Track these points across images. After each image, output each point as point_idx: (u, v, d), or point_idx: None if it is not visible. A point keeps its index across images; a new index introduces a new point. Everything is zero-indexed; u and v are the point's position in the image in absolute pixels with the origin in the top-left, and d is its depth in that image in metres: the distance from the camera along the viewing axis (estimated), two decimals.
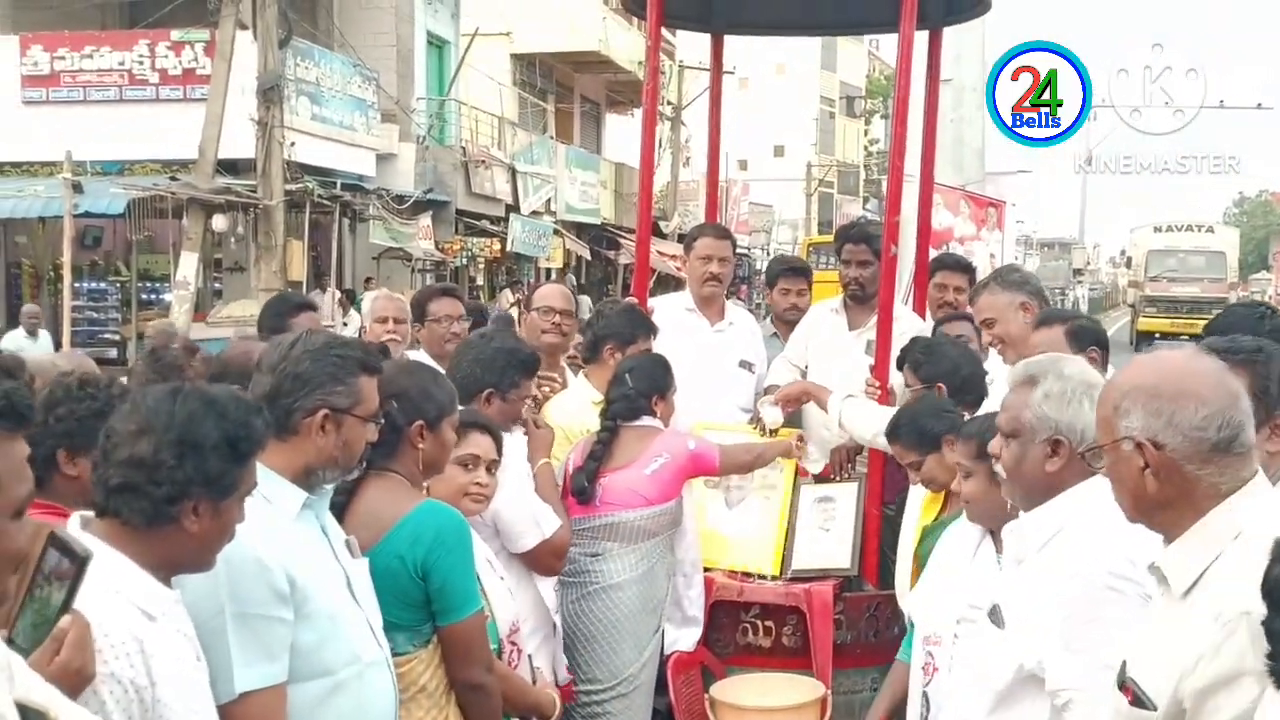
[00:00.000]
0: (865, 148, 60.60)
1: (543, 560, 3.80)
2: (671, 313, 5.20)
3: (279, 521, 2.45)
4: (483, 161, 24.15)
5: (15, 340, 13.00)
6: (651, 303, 5.29)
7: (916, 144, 5.49)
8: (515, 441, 3.95)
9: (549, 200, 27.05)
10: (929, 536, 3.67)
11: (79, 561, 1.84)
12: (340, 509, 2.84)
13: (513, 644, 3.39)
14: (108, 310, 19.17)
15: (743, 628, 4.59)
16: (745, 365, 5.20)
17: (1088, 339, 3.89)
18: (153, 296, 19.30)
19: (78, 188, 16.63)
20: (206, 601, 2.26)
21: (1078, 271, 58.17)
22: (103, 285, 19.80)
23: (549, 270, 28.42)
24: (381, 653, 2.61)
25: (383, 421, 2.71)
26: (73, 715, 1.72)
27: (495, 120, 26.06)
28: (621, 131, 36.08)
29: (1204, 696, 1.80)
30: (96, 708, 1.91)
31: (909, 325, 5.03)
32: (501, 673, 3.21)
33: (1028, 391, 2.61)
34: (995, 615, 2.59)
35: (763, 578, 4.66)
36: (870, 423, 4.57)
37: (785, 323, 5.69)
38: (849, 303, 5.27)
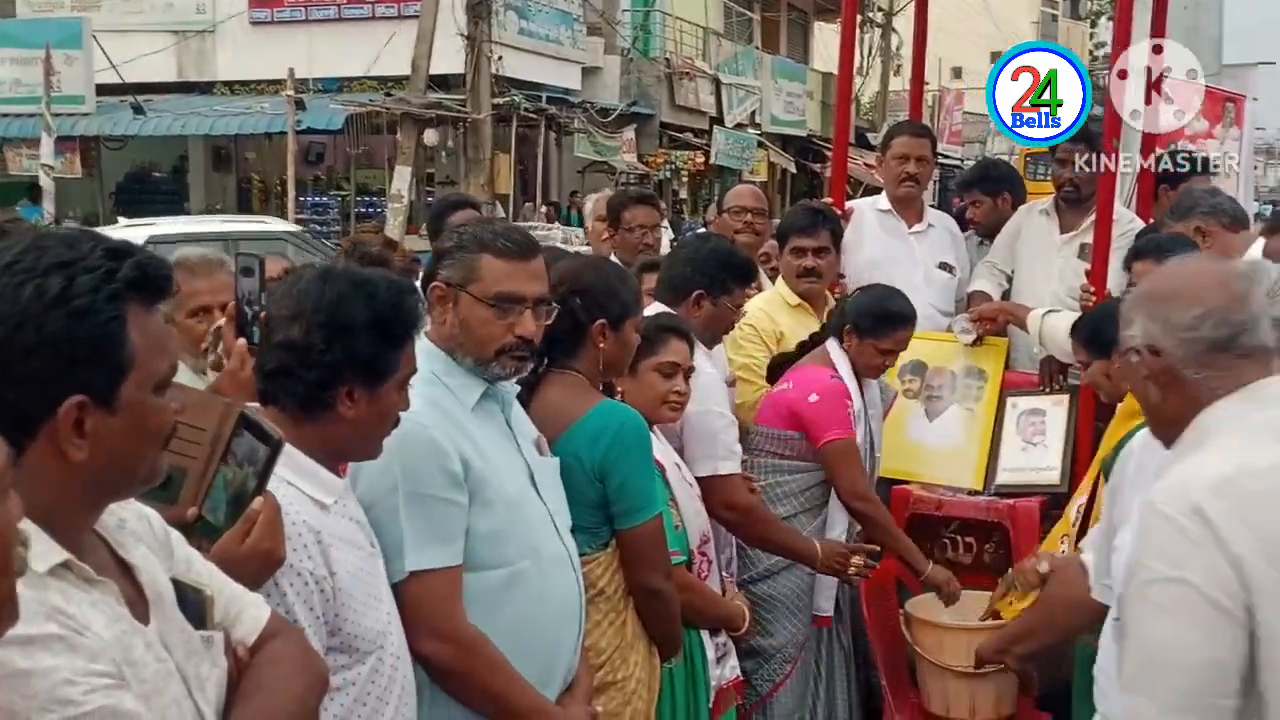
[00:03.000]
0: (1090, 52, 57.46)
1: (712, 497, 3.41)
2: (867, 214, 5.01)
3: (456, 408, 2.41)
4: (687, 73, 23.96)
5: None
6: (849, 205, 5.11)
7: (1145, 34, 5.09)
8: (719, 355, 3.83)
9: (754, 112, 26.65)
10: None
11: (272, 444, 1.82)
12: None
13: (703, 555, 3.29)
14: (329, 223, 19.95)
15: (941, 543, 4.43)
16: (945, 267, 4.97)
17: None
18: (370, 210, 19.99)
19: (300, 105, 17.31)
20: (381, 480, 2.24)
21: None
22: (324, 199, 20.64)
23: (753, 184, 28.12)
24: (565, 549, 2.54)
25: (552, 309, 2.55)
26: (228, 594, 1.69)
27: (700, 31, 25.75)
28: (831, 41, 35.02)
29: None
30: (278, 600, 1.88)
31: (1130, 228, 4.69)
32: (692, 584, 3.16)
33: None
34: None
35: (964, 492, 4.49)
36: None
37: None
38: (1061, 204, 4.96)
